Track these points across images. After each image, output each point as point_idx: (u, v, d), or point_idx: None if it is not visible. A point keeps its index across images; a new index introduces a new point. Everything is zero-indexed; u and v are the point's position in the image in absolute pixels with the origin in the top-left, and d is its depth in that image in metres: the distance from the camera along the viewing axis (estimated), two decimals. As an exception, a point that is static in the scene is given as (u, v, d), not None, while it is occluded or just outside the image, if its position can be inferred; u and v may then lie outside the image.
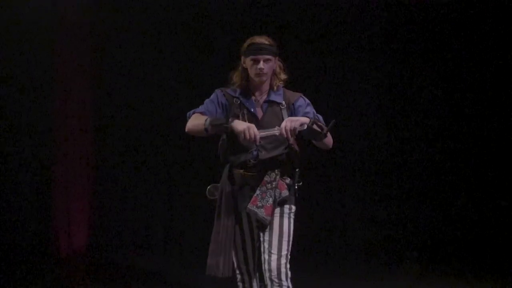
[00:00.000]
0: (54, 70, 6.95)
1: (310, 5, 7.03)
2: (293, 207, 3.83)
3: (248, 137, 3.55)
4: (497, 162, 7.01)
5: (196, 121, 3.74)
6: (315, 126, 3.58)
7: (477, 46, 7.03)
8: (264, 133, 3.62)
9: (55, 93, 6.98)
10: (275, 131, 3.59)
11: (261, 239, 3.80)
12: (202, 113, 3.79)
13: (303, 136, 3.67)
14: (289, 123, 3.56)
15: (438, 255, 6.90)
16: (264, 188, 3.73)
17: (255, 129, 3.57)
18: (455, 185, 7.10)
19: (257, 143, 3.61)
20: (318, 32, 7.08)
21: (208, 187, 3.88)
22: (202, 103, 3.87)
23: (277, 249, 3.73)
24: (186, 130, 3.80)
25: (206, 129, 3.67)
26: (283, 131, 3.55)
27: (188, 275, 6.32)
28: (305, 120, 3.60)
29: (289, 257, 3.77)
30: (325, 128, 3.60)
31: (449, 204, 7.11)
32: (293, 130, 3.56)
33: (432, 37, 7.10)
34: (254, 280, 3.93)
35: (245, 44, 3.79)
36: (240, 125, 3.60)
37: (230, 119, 3.67)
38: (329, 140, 3.72)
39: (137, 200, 7.17)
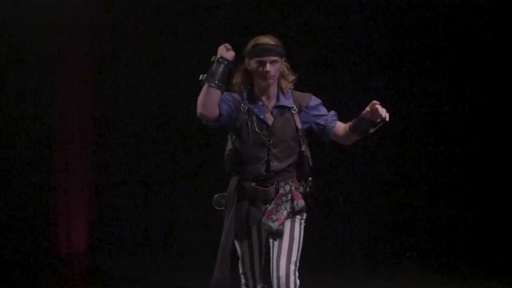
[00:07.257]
0: (55, 73, 6.97)
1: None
2: (305, 214, 3.69)
3: (223, 47, 3.47)
4: (498, 161, 7.02)
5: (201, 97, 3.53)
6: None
7: (480, 45, 7.03)
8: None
9: (55, 94, 7.00)
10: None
11: (271, 244, 3.63)
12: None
13: (354, 127, 3.60)
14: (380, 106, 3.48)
15: (438, 255, 6.91)
16: (279, 201, 3.56)
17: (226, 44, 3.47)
18: (455, 185, 7.10)
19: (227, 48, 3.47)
20: (322, 32, 7.09)
21: (215, 197, 3.68)
22: None
23: (286, 255, 3.55)
24: (198, 115, 3.55)
25: (203, 82, 3.48)
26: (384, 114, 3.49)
27: (188, 275, 6.31)
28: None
29: (298, 264, 3.60)
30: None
31: (449, 204, 7.11)
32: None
33: (435, 35, 7.10)
34: (259, 286, 3.77)
35: (249, 45, 3.53)
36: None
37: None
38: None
39: (137, 201, 7.17)
